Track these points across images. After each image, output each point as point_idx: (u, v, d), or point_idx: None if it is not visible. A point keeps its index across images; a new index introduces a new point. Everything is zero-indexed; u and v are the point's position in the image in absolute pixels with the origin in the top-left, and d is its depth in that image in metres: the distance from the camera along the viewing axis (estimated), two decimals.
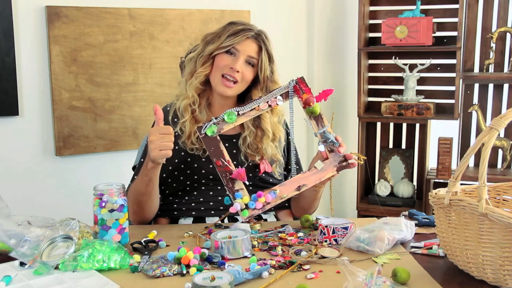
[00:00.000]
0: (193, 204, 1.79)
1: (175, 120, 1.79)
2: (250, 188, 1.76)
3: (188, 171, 1.77)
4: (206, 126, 1.56)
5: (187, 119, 1.75)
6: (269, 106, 1.60)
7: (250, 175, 1.76)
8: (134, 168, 1.97)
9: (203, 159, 1.74)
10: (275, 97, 1.60)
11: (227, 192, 1.56)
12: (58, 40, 2.44)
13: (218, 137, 1.57)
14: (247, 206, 1.53)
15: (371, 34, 3.23)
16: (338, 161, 1.59)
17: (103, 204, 1.45)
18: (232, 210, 1.52)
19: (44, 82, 2.46)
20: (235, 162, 1.76)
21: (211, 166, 1.73)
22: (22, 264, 1.34)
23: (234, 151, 1.79)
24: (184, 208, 1.79)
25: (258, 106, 1.59)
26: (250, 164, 1.78)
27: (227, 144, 1.78)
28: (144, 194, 1.69)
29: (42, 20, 2.42)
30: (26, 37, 2.40)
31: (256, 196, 1.53)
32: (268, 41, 1.77)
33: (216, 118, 1.57)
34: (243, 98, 1.82)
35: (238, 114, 1.58)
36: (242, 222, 1.71)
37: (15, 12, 2.35)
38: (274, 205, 1.56)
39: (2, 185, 2.32)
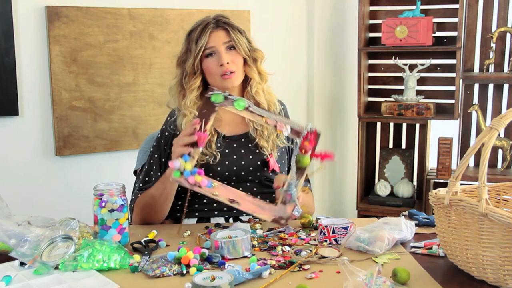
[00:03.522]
0: (196, 206, 1.79)
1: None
2: (255, 189, 1.77)
3: None
4: (215, 92, 1.57)
5: None
6: (275, 126, 1.58)
7: (258, 174, 1.77)
8: (135, 172, 1.97)
9: (211, 162, 1.74)
10: (285, 125, 1.57)
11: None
12: (58, 40, 2.44)
13: (216, 110, 1.56)
14: (183, 172, 1.49)
15: (371, 34, 3.23)
16: (280, 215, 1.52)
17: (103, 204, 1.45)
18: (170, 164, 1.50)
19: (44, 82, 2.46)
20: (243, 162, 1.77)
21: (219, 168, 1.73)
22: (22, 264, 1.34)
23: (243, 151, 1.79)
24: (187, 210, 1.79)
25: (267, 118, 1.58)
26: (259, 163, 1.79)
27: (235, 145, 1.78)
28: (156, 205, 1.70)
29: (42, 20, 2.42)
30: (26, 37, 2.40)
31: (196, 171, 1.50)
32: (228, 18, 1.79)
33: (229, 95, 1.58)
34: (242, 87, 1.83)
35: (247, 108, 1.58)
36: (242, 222, 1.72)
37: (15, 12, 2.35)
38: (203, 193, 1.52)
39: (2, 185, 2.32)
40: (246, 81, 1.81)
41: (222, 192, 1.53)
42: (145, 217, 1.74)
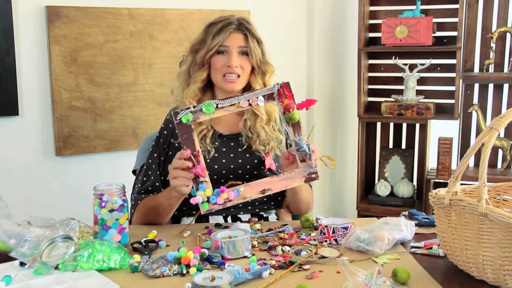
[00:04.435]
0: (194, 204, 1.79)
1: None
2: None
3: None
4: (182, 113, 1.53)
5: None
6: (250, 104, 1.58)
7: (255, 172, 1.77)
8: (134, 172, 1.97)
9: (208, 160, 1.74)
10: (257, 97, 1.58)
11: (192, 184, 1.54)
12: (58, 40, 2.44)
13: (193, 126, 1.54)
14: (208, 200, 1.51)
15: (371, 34, 3.23)
16: (308, 172, 1.56)
17: (103, 204, 1.45)
18: (192, 201, 1.51)
19: (44, 82, 2.46)
20: (240, 160, 1.77)
21: (216, 166, 1.73)
22: (22, 264, 1.34)
23: (240, 149, 1.79)
24: (185, 208, 1.79)
25: (238, 102, 1.57)
26: (255, 161, 1.79)
27: (232, 143, 1.79)
28: (159, 216, 1.71)
29: (42, 20, 2.42)
30: (26, 37, 2.40)
31: (218, 191, 1.51)
32: (251, 25, 1.79)
33: (194, 107, 1.54)
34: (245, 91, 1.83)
35: (217, 107, 1.56)
36: (242, 222, 1.72)
37: (15, 12, 2.35)
38: (235, 203, 1.53)
39: (2, 185, 2.33)
40: (248, 88, 1.81)
41: (250, 191, 1.54)
42: (146, 222, 1.74)
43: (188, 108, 1.54)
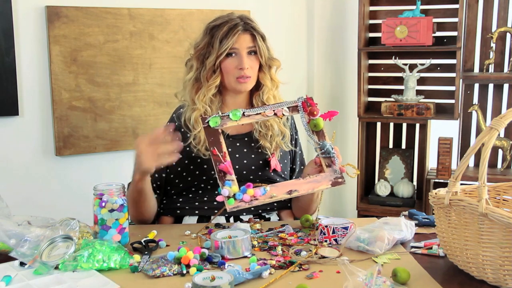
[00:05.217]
0: (197, 204, 1.79)
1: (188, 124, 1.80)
2: None
3: (197, 172, 1.78)
4: (210, 118, 1.56)
5: (200, 130, 1.75)
6: (275, 114, 1.62)
7: (260, 173, 1.78)
8: None
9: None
10: (282, 108, 1.62)
11: (218, 181, 1.54)
12: (58, 40, 2.44)
13: (220, 130, 1.57)
14: (234, 197, 1.51)
15: (371, 34, 3.23)
16: (334, 177, 1.59)
17: (103, 204, 1.45)
18: (218, 198, 1.50)
19: (44, 82, 2.46)
20: (245, 161, 1.77)
21: None
22: (22, 264, 1.34)
23: (245, 150, 1.80)
24: (187, 207, 1.79)
25: (264, 112, 1.61)
26: (261, 162, 1.79)
27: (238, 144, 1.79)
28: (138, 201, 1.70)
29: (42, 20, 2.42)
30: (26, 37, 2.40)
31: (245, 187, 1.51)
32: (254, 22, 1.80)
33: (222, 113, 1.58)
34: (251, 91, 1.85)
35: (244, 114, 1.59)
36: (242, 222, 1.72)
37: (15, 12, 2.35)
38: (261, 202, 1.53)
39: (2, 185, 2.32)
40: (256, 86, 1.82)
41: (277, 191, 1.54)
42: (136, 213, 1.73)
43: (218, 113, 1.57)
